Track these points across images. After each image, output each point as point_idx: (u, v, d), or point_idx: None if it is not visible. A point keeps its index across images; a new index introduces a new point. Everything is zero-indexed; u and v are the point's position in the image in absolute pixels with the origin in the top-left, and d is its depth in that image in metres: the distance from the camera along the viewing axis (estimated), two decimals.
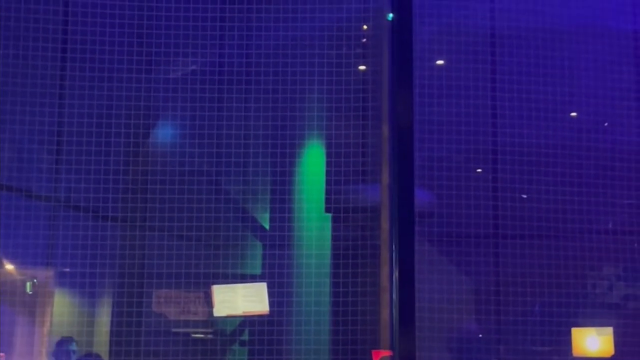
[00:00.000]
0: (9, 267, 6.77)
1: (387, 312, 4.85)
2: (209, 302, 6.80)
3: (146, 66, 6.88)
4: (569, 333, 6.89)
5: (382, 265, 5.12)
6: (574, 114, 7.28)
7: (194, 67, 7.06)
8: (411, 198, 4.95)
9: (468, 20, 6.90)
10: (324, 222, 7.25)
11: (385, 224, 4.96)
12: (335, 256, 7.07)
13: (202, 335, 7.16)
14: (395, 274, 4.90)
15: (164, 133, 7.30)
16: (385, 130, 4.88)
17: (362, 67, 6.87)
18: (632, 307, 7.26)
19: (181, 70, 7.09)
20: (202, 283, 6.83)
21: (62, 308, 7.01)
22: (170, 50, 6.93)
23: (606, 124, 7.25)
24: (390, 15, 5.22)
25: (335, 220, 7.10)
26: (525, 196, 6.91)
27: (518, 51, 6.96)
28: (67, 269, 6.78)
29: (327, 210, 7.15)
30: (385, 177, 4.94)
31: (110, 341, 6.80)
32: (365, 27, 6.85)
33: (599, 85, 7.24)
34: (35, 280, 6.79)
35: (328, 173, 7.05)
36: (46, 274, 6.87)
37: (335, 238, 7.15)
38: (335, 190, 6.96)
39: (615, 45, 7.38)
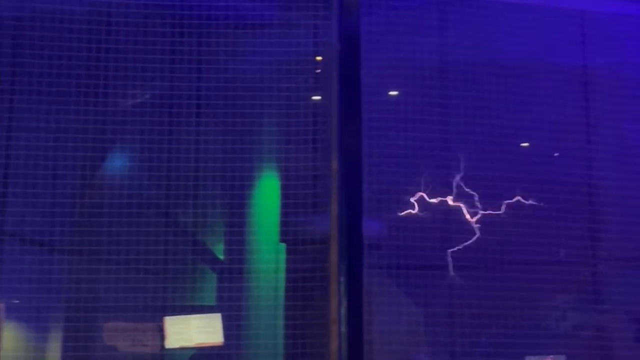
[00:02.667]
0: None
1: (336, 344, 4.84)
2: (161, 335, 6.74)
3: (94, 98, 6.87)
4: None
5: (330, 298, 5.13)
6: (525, 144, 7.40)
7: (145, 99, 7.07)
8: (359, 230, 4.97)
9: (417, 55, 7.00)
10: (279, 252, 7.25)
11: (334, 256, 4.98)
12: (289, 288, 7.06)
13: None
14: (344, 306, 4.90)
15: (115, 165, 7.27)
16: (335, 162, 4.92)
17: (316, 98, 6.92)
18: (582, 337, 7.34)
19: (132, 101, 7.09)
20: (155, 315, 6.77)
21: (11, 343, 6.89)
22: (121, 83, 6.93)
23: (557, 154, 7.38)
24: None
25: (289, 251, 7.10)
26: (478, 226, 6.98)
27: (467, 85, 7.07)
28: (16, 302, 6.69)
29: (282, 240, 7.15)
30: (335, 209, 4.97)
31: None
32: (319, 58, 6.92)
33: (549, 119, 7.38)
34: None
35: (283, 204, 7.06)
36: None
37: (289, 270, 7.14)
38: (290, 221, 6.97)
39: (565, 81, 7.54)
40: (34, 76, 6.71)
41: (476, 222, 7.03)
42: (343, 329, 4.75)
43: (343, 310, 4.75)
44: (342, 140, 4.91)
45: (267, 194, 7.39)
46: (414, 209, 6.82)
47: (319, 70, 6.95)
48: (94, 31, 6.78)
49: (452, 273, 6.89)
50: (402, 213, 6.69)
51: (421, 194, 6.83)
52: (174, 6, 6.79)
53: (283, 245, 7.18)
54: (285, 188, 6.91)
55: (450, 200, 6.99)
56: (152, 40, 6.76)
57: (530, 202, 7.09)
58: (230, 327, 6.61)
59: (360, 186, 4.85)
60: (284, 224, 7.03)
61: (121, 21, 6.78)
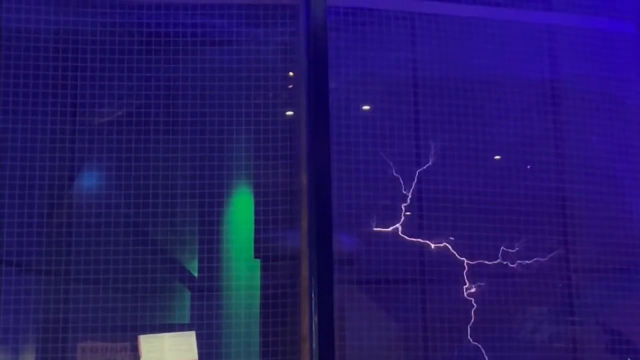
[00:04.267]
0: None
1: None
2: (134, 354, 6.69)
3: (64, 117, 6.83)
4: None
5: (301, 314, 5.11)
6: (497, 157, 7.46)
7: (115, 116, 7.05)
8: (329, 246, 4.98)
9: (386, 70, 7.05)
10: (253, 269, 7.23)
11: (304, 271, 4.97)
12: (263, 304, 7.04)
13: None
14: (315, 322, 4.89)
15: (86, 183, 7.23)
16: (304, 177, 4.93)
17: (289, 113, 6.93)
18: (556, 348, 7.37)
19: (102, 119, 7.07)
20: (129, 334, 6.71)
21: None
22: (91, 101, 6.91)
23: (529, 167, 7.43)
24: None
25: (264, 267, 7.08)
26: (452, 238, 7.01)
27: (436, 100, 7.12)
28: None
29: (257, 256, 7.13)
30: (304, 224, 4.98)
31: None
32: (291, 73, 6.94)
33: (518, 133, 7.44)
34: None
35: (257, 220, 7.04)
36: None
37: (264, 286, 7.12)
38: (264, 237, 6.96)
39: (533, 94, 7.61)
40: (2, 95, 6.67)
41: (448, 235, 7.07)
42: (314, 345, 4.74)
43: (314, 327, 4.74)
44: (311, 155, 4.93)
45: (240, 210, 7.37)
46: (384, 224, 6.84)
47: (291, 86, 6.96)
48: (62, 49, 6.77)
49: (427, 287, 6.91)
50: (372, 228, 6.70)
51: (391, 208, 6.86)
52: (141, 24, 6.80)
53: (257, 261, 7.16)
54: (258, 204, 6.90)
55: (420, 214, 7.01)
56: (120, 58, 6.75)
57: (502, 215, 7.14)
58: (204, 345, 6.57)
59: (329, 202, 4.87)
60: (258, 240, 7.01)
61: (89, 39, 6.78)
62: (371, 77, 6.97)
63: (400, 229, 6.92)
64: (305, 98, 4.96)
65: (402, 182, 6.95)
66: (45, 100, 6.76)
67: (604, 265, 7.39)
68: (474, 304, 6.99)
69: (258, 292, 7.15)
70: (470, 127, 7.26)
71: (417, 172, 7.08)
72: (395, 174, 6.92)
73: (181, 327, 6.94)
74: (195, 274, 7.39)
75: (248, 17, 6.90)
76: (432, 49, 7.30)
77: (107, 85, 6.85)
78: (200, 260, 7.28)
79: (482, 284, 7.08)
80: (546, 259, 7.31)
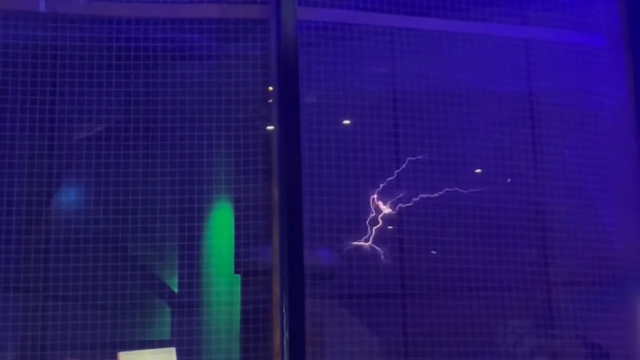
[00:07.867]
0: None
1: None
2: None
3: (41, 132, 6.83)
4: None
5: (273, 329, 5.08)
6: (478, 170, 7.47)
7: (94, 130, 7.04)
8: (300, 261, 4.96)
9: (360, 85, 7.06)
10: (234, 284, 7.21)
11: (276, 286, 4.96)
12: (244, 320, 7.01)
13: None
14: (286, 338, 4.87)
15: (63, 199, 7.21)
16: (275, 192, 4.93)
17: (270, 128, 6.93)
18: None
19: (82, 133, 7.06)
20: (109, 351, 6.68)
21: None
22: (68, 117, 6.90)
23: (508, 181, 7.44)
24: None
25: (244, 282, 7.06)
26: (434, 252, 7.01)
27: (414, 114, 7.13)
28: None
29: (237, 271, 7.12)
30: (276, 239, 4.97)
31: None
32: (271, 88, 6.94)
33: (497, 147, 7.45)
34: None
35: (237, 235, 7.03)
36: None
37: (244, 302, 7.10)
38: (243, 252, 6.94)
39: (512, 108, 7.63)
40: None
41: (427, 249, 7.05)
42: None
43: (285, 342, 4.72)
44: (282, 169, 4.93)
45: (220, 225, 7.36)
46: (362, 238, 6.83)
47: (271, 100, 6.97)
48: (40, 65, 6.77)
49: (408, 301, 6.89)
50: (350, 242, 6.68)
51: (367, 222, 6.84)
52: (111, 38, 6.81)
53: (238, 277, 7.14)
54: (238, 218, 6.89)
55: (400, 228, 7.00)
56: (99, 72, 6.75)
57: (482, 229, 7.14)
58: None
59: (299, 216, 4.86)
60: (238, 254, 7.00)
61: (66, 54, 6.78)
62: (348, 91, 6.98)
63: (378, 243, 6.91)
64: (276, 111, 4.97)
65: (379, 196, 6.95)
66: (23, 116, 6.75)
67: (583, 278, 7.39)
68: (455, 318, 6.97)
69: (238, 308, 7.13)
70: (449, 141, 7.26)
71: (395, 186, 7.07)
72: (372, 187, 6.91)
73: (161, 343, 6.91)
74: (176, 290, 7.36)
75: (219, 31, 6.91)
76: (411, 63, 7.32)
77: (85, 100, 6.85)
78: (180, 276, 7.26)
79: (463, 298, 7.07)
80: (526, 272, 7.31)
